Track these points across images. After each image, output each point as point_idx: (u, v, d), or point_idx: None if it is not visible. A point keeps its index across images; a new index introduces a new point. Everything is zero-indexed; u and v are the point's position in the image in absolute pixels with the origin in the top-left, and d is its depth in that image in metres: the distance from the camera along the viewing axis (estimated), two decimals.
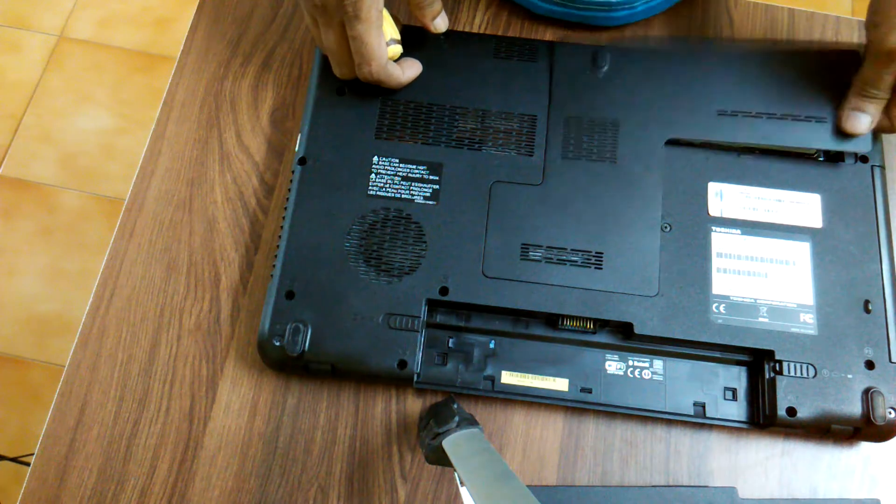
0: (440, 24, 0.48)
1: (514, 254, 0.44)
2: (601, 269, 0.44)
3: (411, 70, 0.48)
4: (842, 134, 0.46)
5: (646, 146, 0.46)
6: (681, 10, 0.54)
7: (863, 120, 0.45)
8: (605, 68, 0.48)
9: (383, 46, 0.44)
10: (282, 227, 0.45)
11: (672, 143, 0.47)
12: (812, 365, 0.42)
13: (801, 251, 0.45)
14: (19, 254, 1.24)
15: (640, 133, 0.47)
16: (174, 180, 0.50)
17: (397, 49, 0.47)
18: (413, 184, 0.46)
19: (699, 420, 0.43)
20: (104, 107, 1.34)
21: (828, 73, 0.47)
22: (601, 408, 0.43)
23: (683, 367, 0.44)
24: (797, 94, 0.47)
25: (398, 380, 0.43)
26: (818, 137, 0.46)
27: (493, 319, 0.44)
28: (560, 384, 0.44)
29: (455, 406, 0.40)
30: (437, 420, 0.38)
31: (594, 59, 0.48)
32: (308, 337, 0.43)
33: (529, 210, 0.45)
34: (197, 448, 0.44)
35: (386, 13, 0.45)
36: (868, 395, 0.41)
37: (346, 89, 0.48)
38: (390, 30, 0.46)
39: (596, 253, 0.44)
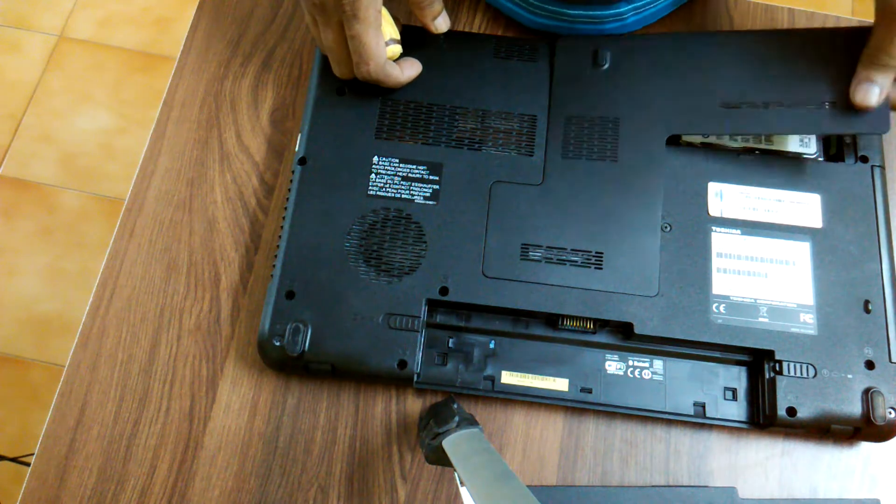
0: (441, 24, 0.48)
1: (514, 254, 0.44)
2: (601, 269, 0.44)
3: (411, 70, 0.47)
4: (853, 116, 0.44)
5: (647, 145, 0.46)
6: (679, 12, 0.54)
7: (873, 91, 0.43)
8: (606, 65, 0.48)
9: (382, 46, 0.44)
10: (282, 227, 0.45)
11: (673, 143, 0.47)
12: (812, 365, 0.42)
13: (801, 251, 0.45)
14: (19, 254, 1.23)
15: (642, 131, 0.46)
16: (174, 180, 0.50)
17: (397, 49, 0.47)
18: (413, 184, 0.46)
19: (699, 420, 0.43)
20: (104, 107, 1.34)
21: (836, 55, 0.45)
22: (601, 408, 0.43)
23: (683, 367, 0.44)
24: (804, 79, 0.45)
25: (398, 380, 0.43)
26: (829, 123, 0.44)
27: (493, 319, 0.44)
28: (560, 384, 0.44)
29: (455, 406, 0.40)
30: (437, 420, 0.38)
31: (595, 55, 0.48)
32: (308, 337, 0.43)
33: (529, 210, 0.45)
34: (197, 448, 0.44)
35: (385, 13, 0.45)
36: (868, 395, 0.41)
37: (346, 89, 0.48)
38: (389, 29, 0.46)
39: (596, 253, 0.44)
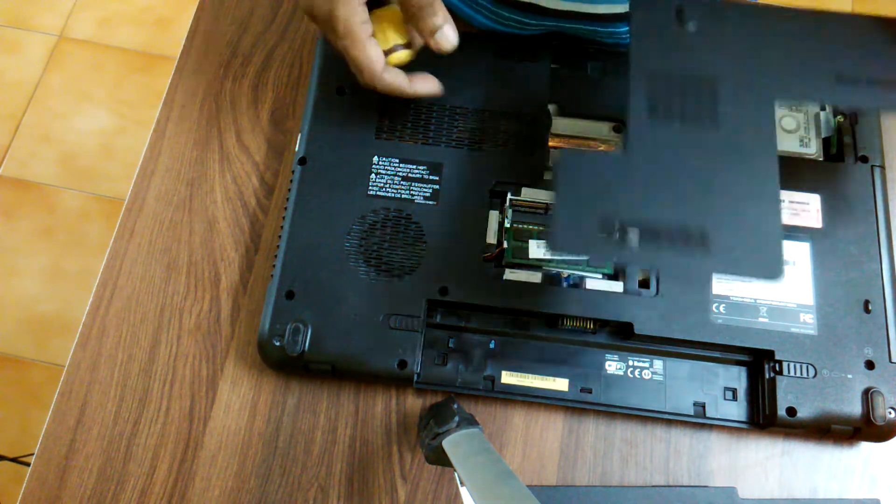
0: (441, 41, 0.42)
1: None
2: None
3: (424, 86, 0.44)
4: None
5: (752, 111, 0.41)
6: None
7: None
8: (693, 27, 0.42)
9: (373, 56, 0.41)
10: (282, 227, 0.45)
11: None
12: (812, 365, 0.42)
13: (801, 251, 0.45)
14: (19, 254, 1.23)
15: (744, 93, 0.42)
16: (174, 180, 0.50)
17: (403, 54, 0.44)
18: (413, 184, 0.46)
19: (699, 420, 0.43)
20: (104, 107, 1.34)
21: None
22: (601, 408, 0.43)
23: (683, 367, 0.44)
24: None
25: (398, 380, 0.43)
26: None
27: (493, 319, 0.44)
28: (560, 384, 0.44)
29: (455, 406, 0.40)
30: (437, 420, 0.38)
31: (679, 14, 0.42)
32: (308, 337, 0.43)
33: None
34: (197, 448, 0.44)
35: (394, 16, 0.43)
36: (868, 395, 0.41)
37: (346, 89, 0.48)
38: (394, 35, 0.43)
39: None
